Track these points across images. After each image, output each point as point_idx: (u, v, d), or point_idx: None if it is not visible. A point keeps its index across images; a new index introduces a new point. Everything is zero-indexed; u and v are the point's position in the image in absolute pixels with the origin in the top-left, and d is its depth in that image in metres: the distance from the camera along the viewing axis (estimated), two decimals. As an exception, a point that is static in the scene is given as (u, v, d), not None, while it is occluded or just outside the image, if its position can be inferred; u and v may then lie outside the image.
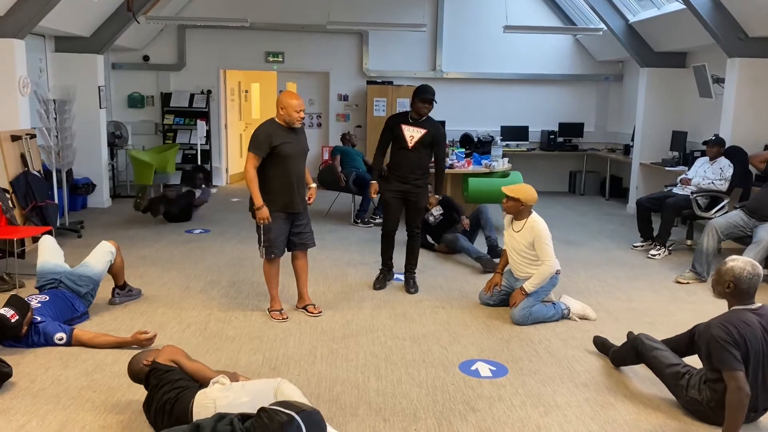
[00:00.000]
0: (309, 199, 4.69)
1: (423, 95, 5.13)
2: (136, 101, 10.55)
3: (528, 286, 4.67)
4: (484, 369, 3.87)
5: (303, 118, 4.48)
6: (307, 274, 4.86)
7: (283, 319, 4.64)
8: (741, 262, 3.23)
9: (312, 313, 4.76)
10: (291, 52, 10.60)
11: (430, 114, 5.20)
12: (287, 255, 4.73)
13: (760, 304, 3.25)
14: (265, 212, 4.42)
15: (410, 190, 5.24)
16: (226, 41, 10.47)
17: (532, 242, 4.69)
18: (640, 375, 3.80)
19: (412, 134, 5.15)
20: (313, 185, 4.73)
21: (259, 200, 4.42)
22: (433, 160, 5.34)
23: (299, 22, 10.37)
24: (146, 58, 10.46)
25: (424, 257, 6.31)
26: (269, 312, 4.71)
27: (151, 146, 10.45)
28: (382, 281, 5.45)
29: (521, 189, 4.80)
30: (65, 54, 8.40)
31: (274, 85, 11.48)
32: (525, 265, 4.79)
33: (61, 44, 8.41)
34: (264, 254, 4.59)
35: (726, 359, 3.04)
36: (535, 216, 4.80)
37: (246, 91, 12.12)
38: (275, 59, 10.63)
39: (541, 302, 4.73)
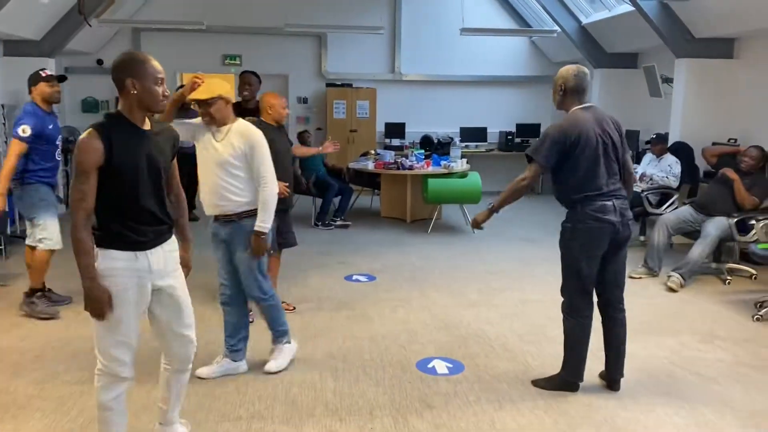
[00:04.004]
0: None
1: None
2: (90, 106, 10.34)
3: (260, 227, 3.53)
4: (441, 366, 3.92)
5: (288, 114, 4.77)
6: (278, 272, 4.90)
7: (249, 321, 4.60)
8: (567, 67, 3.54)
9: (288, 309, 4.78)
10: (249, 54, 10.52)
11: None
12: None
13: (590, 104, 3.55)
14: None
15: None
16: (182, 44, 10.33)
17: (244, 151, 3.48)
18: (590, 370, 3.88)
19: None
20: None
21: None
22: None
23: (257, 25, 10.31)
24: (100, 62, 10.26)
25: (390, 253, 6.34)
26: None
27: (107, 151, 10.25)
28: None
29: (215, 84, 3.54)
30: (15, 58, 8.17)
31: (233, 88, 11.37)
32: (225, 186, 3.51)
33: (10, 48, 8.19)
34: None
35: (536, 150, 3.48)
36: (240, 120, 3.62)
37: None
38: (233, 62, 10.54)
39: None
